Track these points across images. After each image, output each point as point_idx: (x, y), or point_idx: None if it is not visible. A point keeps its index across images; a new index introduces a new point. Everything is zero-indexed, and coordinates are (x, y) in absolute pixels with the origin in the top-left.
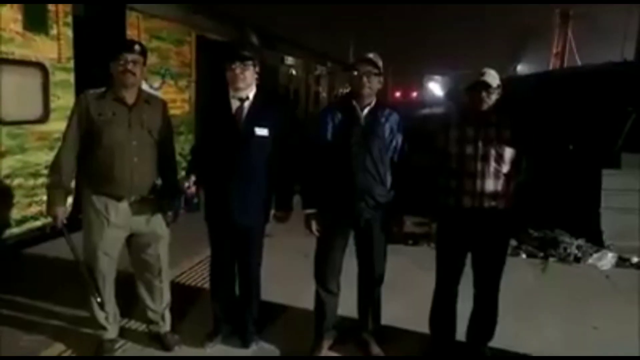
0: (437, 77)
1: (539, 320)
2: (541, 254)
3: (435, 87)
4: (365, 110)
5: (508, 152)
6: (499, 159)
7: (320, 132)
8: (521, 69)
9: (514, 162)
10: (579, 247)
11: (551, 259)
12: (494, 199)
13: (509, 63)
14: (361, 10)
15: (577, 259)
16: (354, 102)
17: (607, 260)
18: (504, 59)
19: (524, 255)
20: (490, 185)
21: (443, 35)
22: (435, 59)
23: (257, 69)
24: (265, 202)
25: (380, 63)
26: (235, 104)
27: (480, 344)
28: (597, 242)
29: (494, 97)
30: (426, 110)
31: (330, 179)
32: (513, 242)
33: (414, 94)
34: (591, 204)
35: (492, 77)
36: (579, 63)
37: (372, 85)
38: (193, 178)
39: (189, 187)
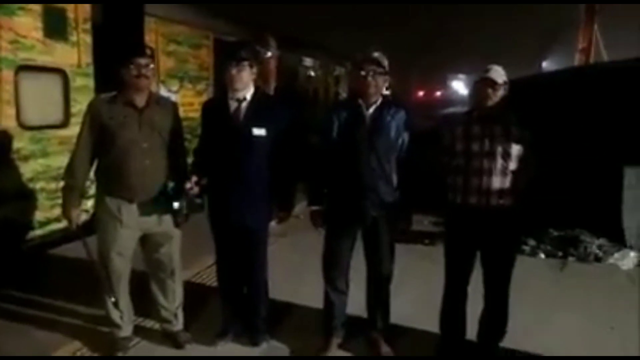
0: (461, 76)
1: (555, 320)
2: (560, 254)
3: (460, 86)
4: (371, 109)
5: (515, 149)
6: (506, 155)
7: (326, 130)
8: (547, 65)
9: (522, 159)
10: (600, 247)
11: (571, 259)
12: (501, 197)
13: (536, 60)
14: (384, 10)
15: (598, 259)
16: (360, 101)
17: (628, 259)
18: (531, 56)
19: (542, 255)
20: (497, 182)
21: (468, 34)
22: (461, 58)
23: (254, 69)
24: (266, 202)
25: (385, 62)
26: (233, 105)
27: (491, 343)
28: (619, 241)
29: (499, 93)
30: (449, 110)
31: (336, 177)
32: (531, 242)
33: (438, 94)
34: (613, 202)
35: (498, 74)
36: (606, 59)
37: (378, 84)
38: (195, 178)
39: (191, 188)
